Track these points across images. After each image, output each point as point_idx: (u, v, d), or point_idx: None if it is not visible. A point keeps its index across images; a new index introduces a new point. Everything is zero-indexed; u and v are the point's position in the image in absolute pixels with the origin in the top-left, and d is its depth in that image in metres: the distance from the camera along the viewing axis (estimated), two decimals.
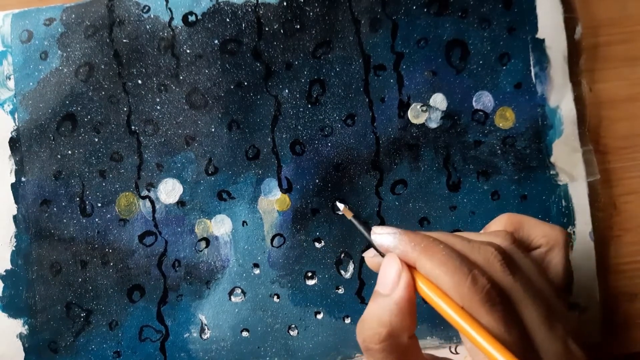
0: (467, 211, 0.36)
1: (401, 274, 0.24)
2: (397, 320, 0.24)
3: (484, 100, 0.36)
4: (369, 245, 0.27)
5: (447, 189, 0.36)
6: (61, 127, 0.36)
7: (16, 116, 0.36)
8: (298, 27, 0.36)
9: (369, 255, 0.27)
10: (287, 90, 0.36)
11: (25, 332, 0.35)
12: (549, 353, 0.23)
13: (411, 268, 0.25)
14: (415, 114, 0.36)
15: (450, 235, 0.26)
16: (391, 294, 0.24)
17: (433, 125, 0.36)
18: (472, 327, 0.22)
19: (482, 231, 0.29)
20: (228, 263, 0.36)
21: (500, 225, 0.28)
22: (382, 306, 0.25)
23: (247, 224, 0.36)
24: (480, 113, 0.36)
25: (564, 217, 0.36)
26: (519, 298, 0.24)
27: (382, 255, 0.26)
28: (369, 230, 0.27)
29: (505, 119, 0.36)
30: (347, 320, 0.36)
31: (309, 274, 0.36)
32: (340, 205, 0.29)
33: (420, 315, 0.36)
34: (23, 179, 0.36)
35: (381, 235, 0.26)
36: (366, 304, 0.36)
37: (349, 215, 0.28)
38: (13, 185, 0.36)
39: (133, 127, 0.36)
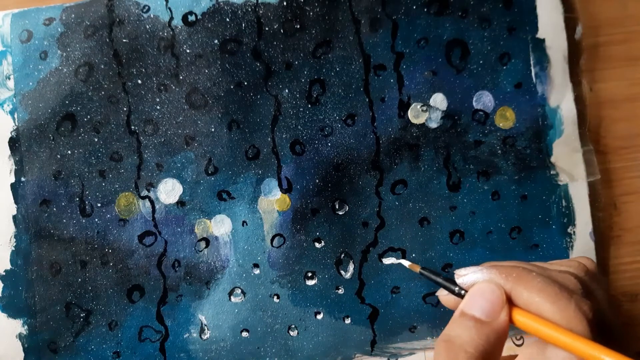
0: (467, 211, 0.36)
1: (504, 302, 0.24)
2: (495, 349, 0.24)
3: (484, 100, 0.36)
4: (444, 287, 0.26)
5: (447, 189, 0.36)
6: (61, 127, 0.36)
7: (16, 116, 0.36)
8: (298, 27, 0.36)
9: (443, 294, 0.27)
10: (287, 90, 0.36)
11: (24, 333, 0.35)
12: None
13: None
14: (416, 114, 0.36)
15: (530, 265, 0.26)
16: (492, 322, 0.24)
17: (433, 125, 0.36)
18: (593, 348, 0.22)
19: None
20: (228, 263, 0.36)
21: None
22: (479, 332, 0.24)
23: (247, 224, 0.36)
24: (481, 113, 0.36)
25: (564, 217, 0.36)
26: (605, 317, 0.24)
27: (458, 295, 0.25)
28: (444, 278, 0.26)
29: (506, 118, 0.36)
30: (347, 321, 0.36)
31: (309, 274, 0.36)
32: (406, 263, 0.29)
33: (420, 316, 0.36)
34: (23, 179, 0.35)
35: (467, 275, 0.25)
36: (366, 304, 0.36)
37: (416, 270, 0.28)
38: (13, 185, 0.36)
39: (133, 127, 0.36)
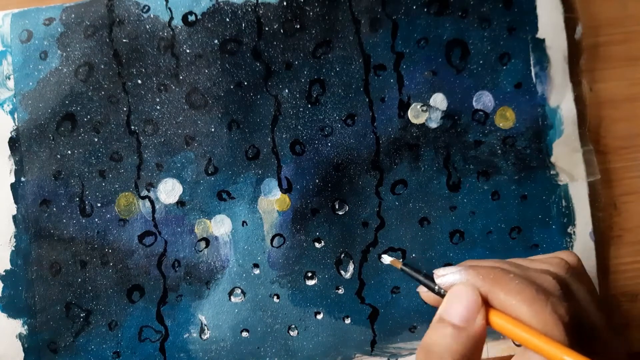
0: (467, 211, 0.36)
1: (480, 306, 0.24)
2: (470, 350, 0.24)
3: (484, 100, 0.36)
4: (424, 285, 0.26)
5: (447, 189, 0.36)
6: (61, 127, 0.36)
7: (16, 116, 0.36)
8: (298, 27, 0.36)
9: (423, 291, 0.27)
10: (287, 90, 0.36)
11: (24, 333, 0.35)
12: None
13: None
14: (416, 114, 0.36)
15: (508, 264, 0.25)
16: (468, 327, 0.24)
17: (433, 125, 0.36)
18: (564, 352, 0.22)
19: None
20: (228, 263, 0.36)
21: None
22: (456, 338, 0.24)
23: (247, 224, 0.36)
24: (481, 113, 0.36)
25: (564, 217, 0.36)
26: (586, 320, 0.24)
27: (438, 293, 0.25)
28: (424, 275, 0.26)
29: (506, 118, 0.36)
30: (347, 321, 0.36)
31: (309, 274, 0.36)
32: (387, 259, 0.29)
33: (420, 316, 0.36)
34: (23, 179, 0.35)
35: (445, 275, 0.25)
36: (366, 304, 0.36)
37: (398, 266, 0.28)
38: (12, 185, 0.35)
39: (133, 127, 0.36)
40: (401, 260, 0.28)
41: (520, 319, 0.23)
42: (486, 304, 0.24)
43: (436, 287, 0.26)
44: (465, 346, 0.23)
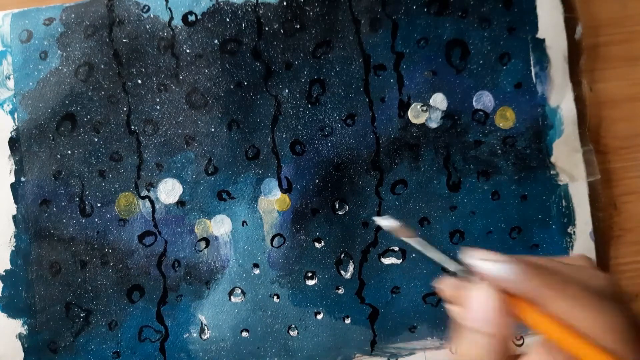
0: (467, 211, 0.36)
1: (506, 313, 0.21)
2: (500, 355, 0.21)
3: (484, 100, 0.36)
4: (443, 269, 0.23)
5: (447, 189, 0.36)
6: (61, 127, 0.36)
7: (16, 116, 0.36)
8: (298, 27, 0.36)
9: (448, 286, 0.23)
10: (287, 90, 0.36)
11: (24, 332, 0.35)
12: None
13: (520, 302, 0.21)
14: (416, 114, 0.36)
15: (549, 260, 0.23)
16: (497, 333, 0.21)
17: (433, 125, 0.36)
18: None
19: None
20: (228, 263, 0.36)
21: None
22: (482, 347, 0.21)
23: (247, 224, 0.36)
24: (481, 113, 0.36)
25: (564, 217, 0.36)
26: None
27: (454, 274, 0.22)
28: (442, 251, 0.23)
29: (506, 118, 0.36)
30: (347, 321, 0.36)
31: (309, 274, 0.36)
32: (393, 223, 0.24)
33: (420, 316, 0.36)
34: (22, 179, 0.35)
35: (485, 262, 0.22)
36: (366, 304, 0.36)
37: (413, 237, 0.24)
38: (12, 185, 0.35)
39: (133, 127, 0.36)
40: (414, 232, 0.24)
41: (579, 327, 0.20)
42: (521, 302, 0.21)
43: (453, 268, 0.23)
44: (494, 355, 0.21)
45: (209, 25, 0.36)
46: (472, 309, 0.22)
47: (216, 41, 0.36)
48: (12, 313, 0.35)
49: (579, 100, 0.37)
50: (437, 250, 0.23)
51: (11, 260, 0.35)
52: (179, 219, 0.36)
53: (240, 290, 0.36)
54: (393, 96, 0.36)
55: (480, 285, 0.22)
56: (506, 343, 0.21)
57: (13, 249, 0.35)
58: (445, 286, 0.24)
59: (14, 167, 0.36)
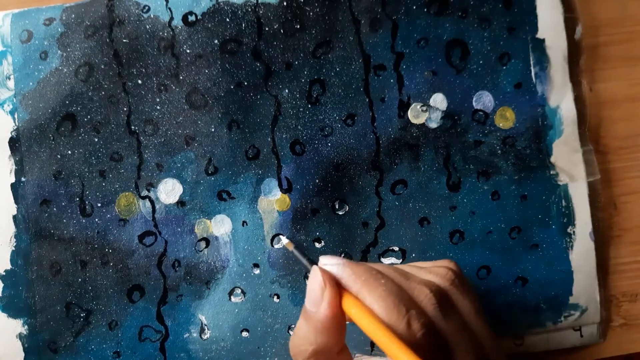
0: (467, 211, 0.36)
1: (323, 290, 0.25)
2: (322, 337, 0.24)
3: (484, 100, 0.36)
4: (307, 270, 0.27)
5: (447, 189, 0.36)
6: (61, 127, 0.36)
7: (16, 116, 0.36)
8: (298, 27, 0.36)
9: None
10: (287, 90, 0.36)
11: (24, 332, 0.35)
12: None
13: (342, 288, 0.25)
14: (415, 114, 0.36)
15: (392, 269, 0.26)
16: (316, 312, 0.25)
17: (433, 125, 0.36)
18: (402, 350, 0.22)
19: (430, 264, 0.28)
20: (228, 263, 0.36)
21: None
22: (308, 323, 0.25)
23: (247, 224, 0.36)
24: (481, 113, 0.36)
25: (564, 217, 0.36)
26: (453, 343, 0.24)
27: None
28: (309, 261, 0.27)
29: (506, 119, 0.36)
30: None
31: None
32: (284, 240, 0.30)
33: None
34: (23, 179, 0.35)
35: (326, 266, 0.26)
36: None
37: (291, 248, 0.29)
38: (13, 185, 0.36)
39: (133, 127, 0.36)
40: (293, 244, 0.29)
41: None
42: (341, 291, 0.25)
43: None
44: (316, 331, 0.24)
45: (209, 26, 0.36)
46: (307, 291, 0.25)
47: (216, 41, 0.36)
48: (12, 313, 0.35)
49: (578, 100, 0.37)
50: (306, 259, 0.28)
51: (11, 260, 0.35)
52: (179, 219, 0.36)
53: (240, 290, 0.36)
54: (393, 96, 0.36)
55: (312, 269, 0.26)
56: (324, 324, 0.24)
57: (13, 249, 0.35)
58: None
59: (14, 167, 0.36)
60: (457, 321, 0.25)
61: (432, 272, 0.27)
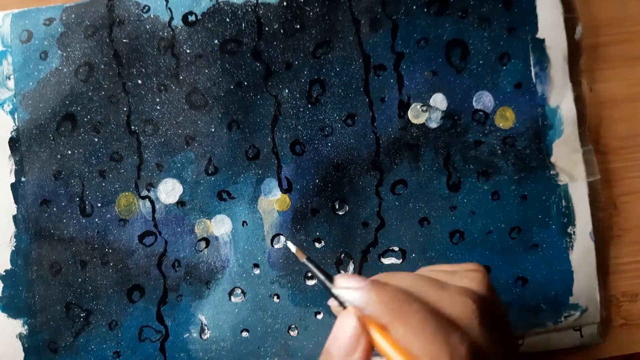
0: (467, 211, 0.36)
1: (359, 338, 0.22)
2: None
3: (484, 100, 0.36)
4: (323, 286, 0.24)
5: (447, 189, 0.36)
6: (61, 127, 0.36)
7: (16, 116, 0.36)
8: (298, 27, 0.36)
9: (334, 305, 0.24)
10: (287, 90, 0.36)
11: (24, 332, 0.35)
12: None
13: (368, 322, 0.23)
14: (416, 114, 0.36)
15: (425, 281, 0.24)
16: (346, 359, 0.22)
17: (433, 125, 0.36)
18: None
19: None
20: (228, 263, 0.36)
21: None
22: None
23: (247, 224, 0.36)
24: (481, 113, 0.36)
25: (564, 217, 0.36)
26: (492, 355, 0.22)
27: (344, 306, 0.23)
28: (329, 278, 0.24)
29: (506, 119, 0.36)
30: None
31: (309, 274, 0.36)
32: (293, 247, 0.27)
33: None
34: (23, 179, 0.35)
35: (347, 290, 0.23)
36: None
37: (303, 259, 0.26)
38: (13, 185, 0.36)
39: (133, 127, 0.36)
40: (306, 253, 0.26)
41: (414, 357, 0.21)
42: (372, 327, 0.22)
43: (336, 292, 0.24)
44: None
45: (209, 26, 0.36)
46: (334, 334, 0.23)
47: (216, 41, 0.36)
48: (12, 313, 0.35)
49: (578, 100, 0.37)
50: (322, 274, 0.24)
51: (11, 260, 0.35)
52: (179, 219, 0.36)
53: (240, 290, 0.36)
54: (393, 96, 0.36)
55: (345, 312, 0.23)
56: None
57: (13, 249, 0.35)
58: (333, 308, 0.25)
59: (14, 167, 0.36)
60: (500, 331, 0.23)
61: (468, 277, 0.24)
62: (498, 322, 0.23)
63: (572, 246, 0.36)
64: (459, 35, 0.36)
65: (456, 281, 0.24)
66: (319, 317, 0.36)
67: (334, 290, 0.24)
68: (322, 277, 0.24)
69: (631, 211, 0.38)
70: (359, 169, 0.36)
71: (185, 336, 0.36)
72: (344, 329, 0.22)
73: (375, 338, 0.22)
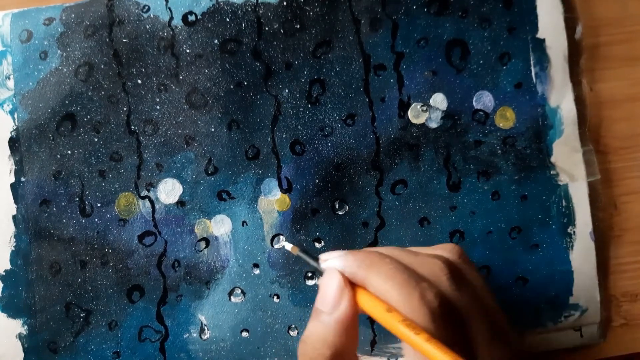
0: (467, 211, 0.36)
1: (343, 290, 0.24)
2: (342, 340, 0.24)
3: (484, 100, 0.36)
4: (316, 270, 0.27)
5: (447, 189, 0.36)
6: (61, 127, 0.36)
7: (16, 116, 0.36)
8: (298, 27, 0.36)
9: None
10: (287, 90, 0.36)
11: (24, 333, 0.35)
12: None
13: (353, 285, 0.24)
14: (416, 114, 0.36)
15: (397, 249, 0.26)
16: (333, 312, 0.24)
17: (433, 125, 0.36)
18: (422, 338, 0.21)
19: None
20: (228, 263, 0.36)
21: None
22: (326, 325, 0.24)
23: (247, 224, 0.36)
24: (481, 113, 0.36)
25: (564, 217, 0.36)
26: (467, 314, 0.23)
27: None
28: (316, 260, 0.26)
29: (506, 118, 0.36)
30: None
31: (309, 274, 0.36)
32: (288, 245, 0.29)
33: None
34: (22, 179, 0.35)
35: (328, 260, 0.25)
36: None
37: (296, 252, 0.28)
38: (12, 185, 0.35)
39: (133, 127, 0.36)
40: (298, 247, 0.29)
41: (391, 304, 0.23)
42: (354, 288, 0.24)
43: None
44: (335, 333, 0.24)
45: (209, 25, 0.36)
46: (320, 292, 0.25)
47: (216, 41, 0.36)
48: (12, 313, 0.35)
49: (579, 100, 0.37)
50: (312, 260, 0.27)
51: (11, 260, 0.35)
52: (179, 219, 0.36)
53: (240, 290, 0.36)
54: (393, 96, 0.36)
55: (328, 271, 0.25)
56: (342, 325, 0.24)
57: (13, 249, 0.35)
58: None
59: (14, 167, 0.36)
60: (470, 292, 0.24)
61: (440, 248, 0.26)
62: (470, 285, 0.24)
63: (572, 246, 0.36)
64: (459, 35, 0.36)
65: (429, 251, 0.26)
66: None
67: (322, 264, 0.26)
68: (311, 261, 0.27)
69: (631, 211, 0.38)
70: (359, 169, 0.36)
71: (185, 336, 0.36)
72: (329, 285, 0.24)
73: (358, 297, 0.24)
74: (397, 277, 0.23)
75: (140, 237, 0.36)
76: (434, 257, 0.25)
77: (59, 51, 0.35)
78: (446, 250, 0.26)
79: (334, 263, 0.25)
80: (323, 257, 0.26)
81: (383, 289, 0.23)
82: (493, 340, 0.23)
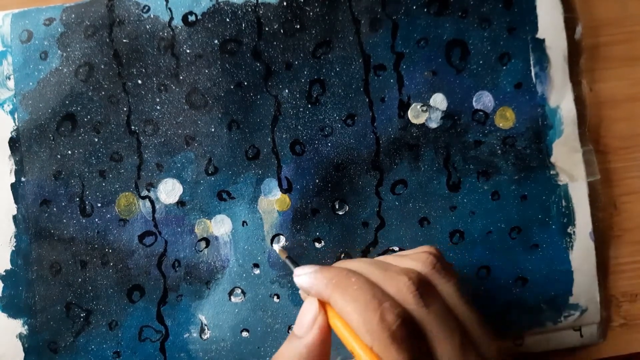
0: (467, 211, 0.36)
1: (317, 317, 0.25)
2: None
3: (484, 100, 0.36)
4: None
5: (447, 189, 0.36)
6: (61, 127, 0.36)
7: (16, 116, 0.36)
8: (298, 27, 0.36)
9: (302, 293, 0.28)
10: (287, 90, 0.36)
11: (25, 332, 0.35)
12: None
13: (328, 307, 0.25)
14: (416, 114, 0.36)
15: (369, 264, 0.26)
16: (304, 337, 0.25)
17: (433, 125, 0.36)
18: None
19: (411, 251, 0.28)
20: (228, 263, 0.36)
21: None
22: (294, 348, 0.25)
23: (247, 224, 0.36)
24: (481, 113, 0.36)
25: (564, 217, 0.36)
26: (433, 332, 0.23)
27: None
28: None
29: (506, 119, 0.36)
30: None
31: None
32: (277, 247, 0.31)
33: None
34: (23, 179, 0.35)
35: (299, 276, 0.26)
36: None
37: (283, 257, 0.29)
38: (13, 185, 0.36)
39: (133, 127, 0.36)
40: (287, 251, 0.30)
41: (352, 327, 0.23)
42: (331, 309, 0.25)
43: None
44: (300, 356, 0.25)
45: (209, 26, 0.36)
46: (298, 317, 0.26)
47: (216, 41, 0.36)
48: (12, 313, 0.35)
49: (578, 100, 0.37)
50: (295, 267, 0.28)
51: (11, 260, 0.35)
52: (179, 219, 0.36)
53: (240, 290, 0.36)
54: (393, 96, 0.36)
55: (308, 299, 0.26)
56: (312, 349, 0.25)
57: (13, 249, 0.35)
58: (301, 295, 0.28)
59: (14, 167, 0.36)
60: (438, 307, 0.24)
61: (412, 258, 0.26)
62: (438, 298, 0.24)
63: (572, 246, 0.36)
64: (459, 35, 0.36)
65: (402, 263, 0.26)
66: None
67: (295, 279, 0.27)
68: (294, 269, 0.27)
69: (631, 211, 0.38)
70: (359, 169, 0.36)
71: (185, 336, 0.36)
72: (305, 312, 0.25)
73: (329, 316, 0.25)
74: (360, 299, 0.23)
75: (141, 237, 0.36)
76: (403, 272, 0.25)
77: (59, 51, 0.35)
78: (419, 261, 0.26)
79: (302, 280, 0.26)
80: (297, 272, 0.26)
81: (346, 310, 0.23)
82: (464, 353, 0.23)
